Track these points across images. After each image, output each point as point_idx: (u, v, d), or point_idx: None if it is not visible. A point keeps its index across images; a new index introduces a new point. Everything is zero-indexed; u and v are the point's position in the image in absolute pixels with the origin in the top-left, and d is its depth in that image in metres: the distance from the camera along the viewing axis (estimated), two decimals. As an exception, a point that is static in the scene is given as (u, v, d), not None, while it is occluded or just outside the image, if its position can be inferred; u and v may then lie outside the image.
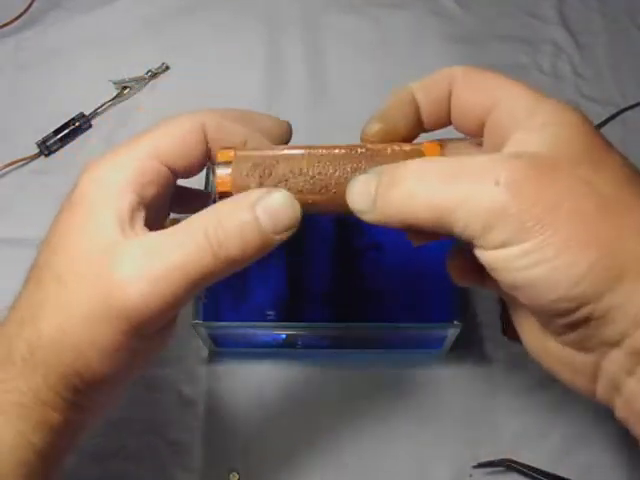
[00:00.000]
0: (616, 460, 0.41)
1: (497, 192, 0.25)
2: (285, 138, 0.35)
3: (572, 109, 0.28)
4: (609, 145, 0.27)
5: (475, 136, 0.31)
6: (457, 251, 0.33)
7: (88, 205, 0.29)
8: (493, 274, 0.27)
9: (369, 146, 0.30)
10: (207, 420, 0.42)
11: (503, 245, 0.25)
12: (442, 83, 0.31)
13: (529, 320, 0.29)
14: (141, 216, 0.29)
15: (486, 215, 0.25)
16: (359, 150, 0.30)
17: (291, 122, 0.35)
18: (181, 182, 0.34)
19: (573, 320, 0.26)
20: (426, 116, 0.31)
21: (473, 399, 0.43)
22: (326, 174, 0.29)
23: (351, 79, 0.55)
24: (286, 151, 0.30)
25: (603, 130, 0.53)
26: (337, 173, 0.29)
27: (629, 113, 0.54)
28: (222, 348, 0.44)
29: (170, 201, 0.36)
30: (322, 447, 0.42)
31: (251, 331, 0.42)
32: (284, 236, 0.28)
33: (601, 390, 0.28)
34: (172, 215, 0.39)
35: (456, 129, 0.32)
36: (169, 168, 0.31)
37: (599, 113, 0.53)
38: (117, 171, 0.29)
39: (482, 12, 0.59)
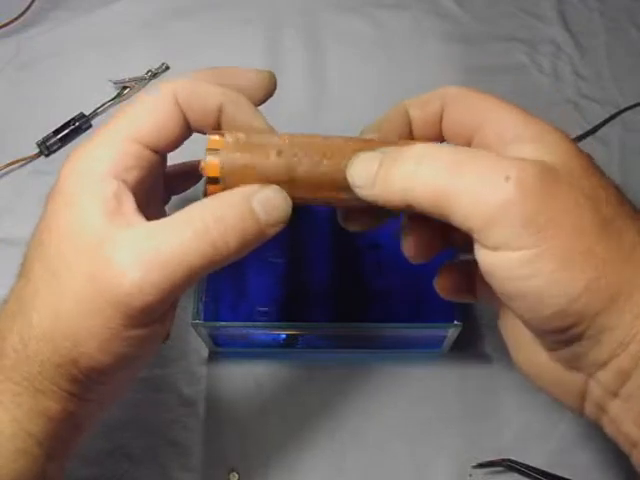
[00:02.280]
0: (616, 460, 0.41)
1: (506, 188, 0.24)
2: (267, 88, 0.34)
3: (559, 129, 0.28)
4: (598, 165, 0.28)
5: None
6: (448, 267, 0.33)
7: (69, 196, 0.29)
8: (491, 282, 0.27)
9: (363, 141, 0.30)
10: (207, 420, 0.42)
11: (503, 245, 0.25)
12: (435, 101, 0.31)
13: (520, 335, 0.29)
14: (129, 200, 0.29)
15: (490, 208, 0.25)
16: (352, 142, 0.30)
17: (291, 122, 0.35)
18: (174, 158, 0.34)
19: (567, 336, 0.26)
20: (418, 132, 0.32)
21: (473, 399, 0.43)
22: (319, 160, 0.29)
23: (351, 79, 0.55)
24: (278, 139, 0.30)
25: (603, 130, 0.53)
26: (328, 160, 0.29)
27: (629, 113, 0.54)
28: (222, 348, 0.44)
29: (165, 181, 0.35)
30: (322, 447, 0.42)
31: (251, 331, 0.42)
32: (277, 229, 0.29)
33: (589, 409, 0.28)
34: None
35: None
36: (149, 148, 0.30)
37: (599, 113, 0.53)
38: (96, 159, 0.29)
39: (482, 12, 0.59)
